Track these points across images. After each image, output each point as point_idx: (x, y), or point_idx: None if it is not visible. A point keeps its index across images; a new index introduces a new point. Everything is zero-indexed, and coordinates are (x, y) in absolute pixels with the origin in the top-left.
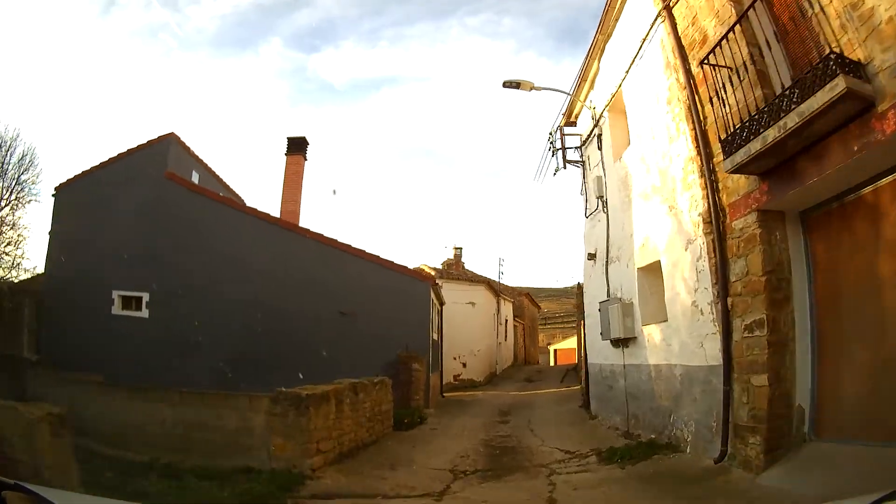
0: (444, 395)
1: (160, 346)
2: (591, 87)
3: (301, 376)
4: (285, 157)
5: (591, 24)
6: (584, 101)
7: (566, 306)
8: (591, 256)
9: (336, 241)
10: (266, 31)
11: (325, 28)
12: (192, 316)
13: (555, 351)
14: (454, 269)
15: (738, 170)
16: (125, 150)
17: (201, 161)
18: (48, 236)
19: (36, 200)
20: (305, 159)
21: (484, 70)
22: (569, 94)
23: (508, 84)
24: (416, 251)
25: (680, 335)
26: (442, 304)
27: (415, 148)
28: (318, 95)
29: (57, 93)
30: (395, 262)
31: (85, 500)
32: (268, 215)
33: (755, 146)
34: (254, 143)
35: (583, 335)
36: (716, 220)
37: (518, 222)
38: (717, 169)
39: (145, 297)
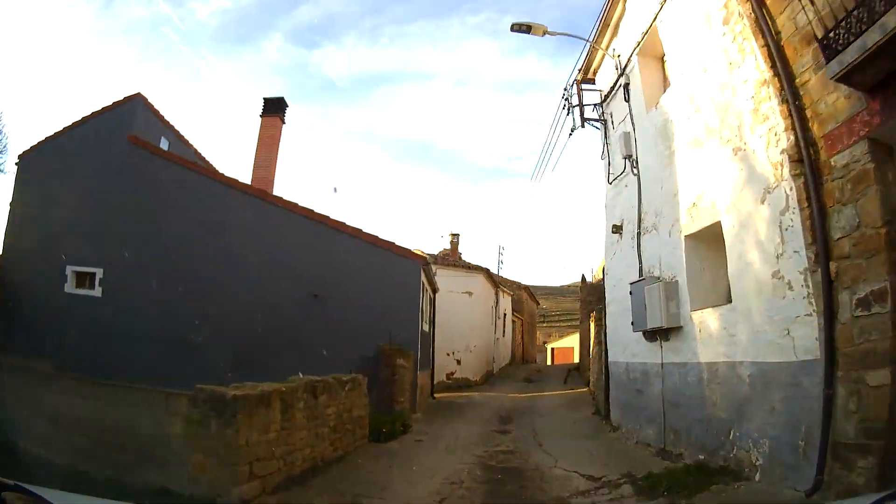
0: (435, 396)
1: (110, 329)
2: (615, 33)
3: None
4: (261, 119)
5: (591, 23)
6: (607, 49)
7: (563, 305)
8: (617, 229)
9: (312, 211)
10: (267, 27)
11: (325, 24)
12: (145, 295)
13: (552, 350)
14: (450, 257)
15: (846, 77)
16: (90, 112)
17: (171, 126)
18: (8, 207)
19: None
20: (283, 122)
21: (484, 69)
22: (588, 40)
23: (517, 27)
24: (412, 243)
25: (751, 321)
26: (435, 290)
27: (413, 145)
28: (319, 92)
29: (53, 81)
30: (381, 237)
31: (85, 501)
32: (235, 181)
33: (872, 37)
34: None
35: (591, 331)
36: (807, 157)
37: (514, 221)
38: (802, 91)
39: (98, 273)
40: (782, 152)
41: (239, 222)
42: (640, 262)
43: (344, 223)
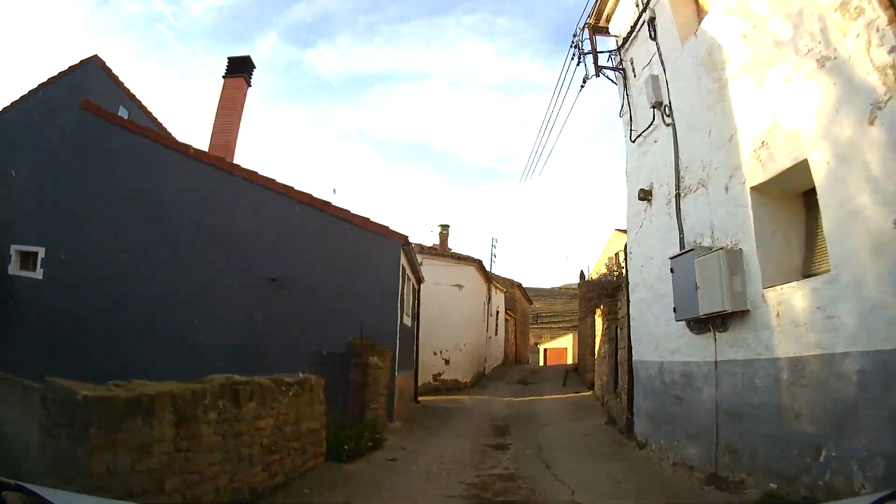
0: (420, 399)
1: (51, 316)
2: None
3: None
4: (223, 80)
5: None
6: None
7: (554, 307)
8: (644, 195)
9: (273, 180)
10: (263, 25)
11: (320, 23)
12: (90, 277)
13: (545, 350)
14: (439, 248)
15: None
16: (46, 79)
17: (132, 95)
18: None
19: None
20: (249, 84)
21: (478, 70)
22: None
23: None
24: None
25: (862, 295)
26: (420, 280)
27: (406, 145)
28: (312, 91)
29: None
30: (354, 211)
31: (85, 501)
32: (187, 147)
33: None
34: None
35: (597, 327)
36: None
37: (506, 220)
38: None
39: (40, 252)
40: (891, 51)
41: (188, 194)
42: (681, 231)
43: (310, 195)
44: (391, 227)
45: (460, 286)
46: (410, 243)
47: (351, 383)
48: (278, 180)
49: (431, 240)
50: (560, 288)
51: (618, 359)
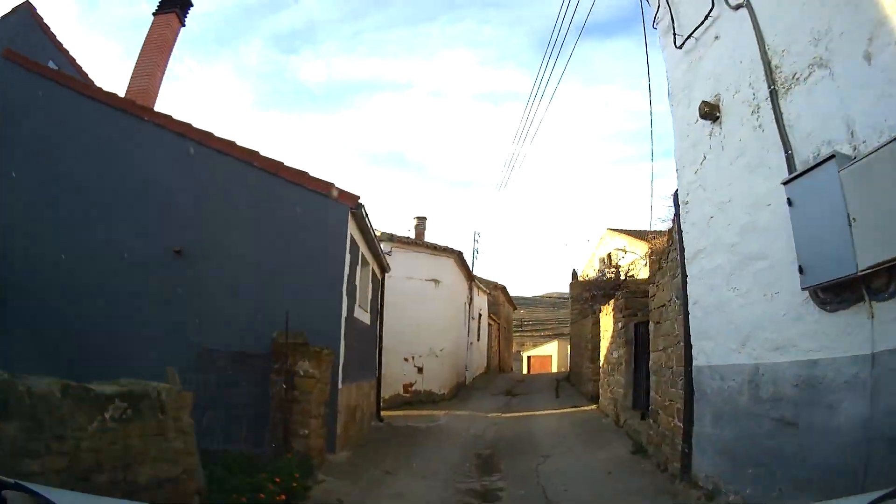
0: (383, 416)
1: None
2: None
3: None
4: (153, 17)
5: (572, 37)
6: None
7: (535, 314)
8: (710, 110)
9: (191, 126)
10: (248, 32)
11: (305, 30)
12: None
13: (528, 358)
14: (412, 238)
15: None
16: None
17: (65, 51)
18: None
19: None
20: (182, 24)
21: (463, 79)
22: None
23: None
24: None
25: None
26: (384, 269)
27: (386, 154)
28: (293, 98)
29: None
30: (288, 164)
31: (85, 500)
32: (91, 87)
33: None
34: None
35: (604, 327)
36: None
37: (484, 231)
38: None
39: None
40: None
41: (89, 144)
42: (787, 144)
43: (233, 142)
44: (337, 185)
45: (437, 281)
46: (363, 207)
47: (272, 399)
48: (197, 126)
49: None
50: (543, 296)
51: (648, 367)
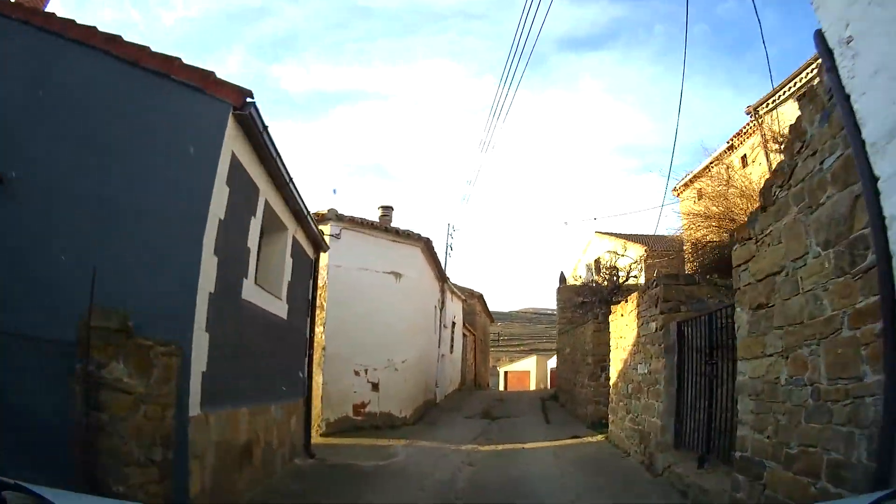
0: (314, 451)
1: None
2: None
3: None
4: None
5: (552, 49)
6: None
7: (510, 329)
8: None
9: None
10: (231, 39)
11: (288, 38)
12: None
13: (505, 374)
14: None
15: None
16: None
17: None
18: None
19: None
20: None
21: (444, 91)
22: None
23: None
24: None
25: None
26: (319, 246)
27: (365, 165)
28: (275, 107)
29: None
30: (155, 51)
31: (85, 500)
32: None
33: None
34: None
35: (615, 331)
36: None
37: (459, 236)
38: None
39: None
40: None
41: None
42: None
43: (72, 21)
44: (217, 76)
45: (398, 275)
46: (257, 112)
47: (72, 423)
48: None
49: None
50: (519, 311)
51: (716, 388)
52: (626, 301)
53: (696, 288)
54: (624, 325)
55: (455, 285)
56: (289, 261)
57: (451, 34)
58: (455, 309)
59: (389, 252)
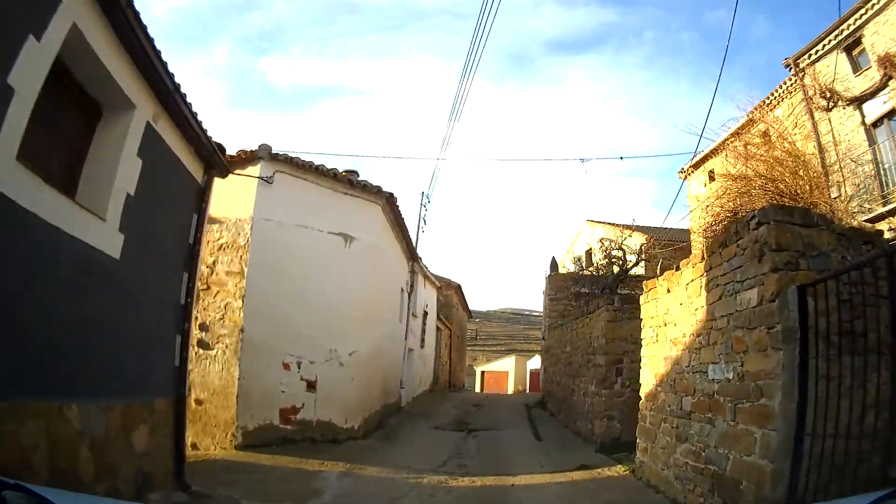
0: (189, 483)
1: None
2: None
3: None
4: None
5: (539, 52)
6: None
7: (488, 328)
8: None
9: None
10: (219, 30)
11: (275, 32)
12: None
13: (482, 374)
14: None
15: None
16: None
17: None
18: None
19: None
20: None
21: (428, 88)
22: None
23: None
24: None
25: None
26: (212, 165)
27: (343, 161)
28: (260, 99)
29: None
30: None
31: (85, 500)
32: None
33: None
34: None
35: (647, 323)
36: None
37: (439, 248)
38: None
39: None
40: None
41: None
42: None
43: None
44: None
45: (348, 237)
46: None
47: None
48: None
49: None
50: (496, 311)
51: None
52: (679, 268)
53: (816, 233)
54: (674, 304)
55: (430, 273)
56: (134, 162)
57: (437, 33)
58: (428, 297)
59: (339, 206)
